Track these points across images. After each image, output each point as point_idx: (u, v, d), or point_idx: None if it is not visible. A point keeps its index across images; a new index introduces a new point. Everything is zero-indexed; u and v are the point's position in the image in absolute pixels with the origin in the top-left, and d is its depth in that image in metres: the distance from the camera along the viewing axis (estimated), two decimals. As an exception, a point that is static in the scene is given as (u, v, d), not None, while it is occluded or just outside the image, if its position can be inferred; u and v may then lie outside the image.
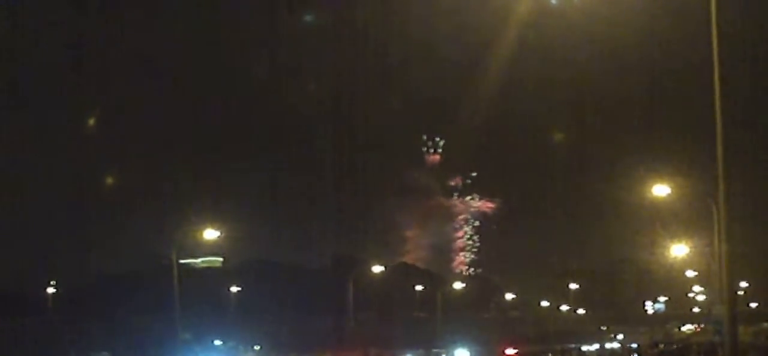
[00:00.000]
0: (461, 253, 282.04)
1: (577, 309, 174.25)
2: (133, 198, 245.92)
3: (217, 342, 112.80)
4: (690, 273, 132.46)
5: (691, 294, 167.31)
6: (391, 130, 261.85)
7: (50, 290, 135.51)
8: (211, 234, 55.28)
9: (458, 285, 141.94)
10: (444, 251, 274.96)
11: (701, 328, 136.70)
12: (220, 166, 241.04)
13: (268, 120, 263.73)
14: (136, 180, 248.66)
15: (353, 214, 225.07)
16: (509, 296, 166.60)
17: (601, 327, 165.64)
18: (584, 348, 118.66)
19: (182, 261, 57.27)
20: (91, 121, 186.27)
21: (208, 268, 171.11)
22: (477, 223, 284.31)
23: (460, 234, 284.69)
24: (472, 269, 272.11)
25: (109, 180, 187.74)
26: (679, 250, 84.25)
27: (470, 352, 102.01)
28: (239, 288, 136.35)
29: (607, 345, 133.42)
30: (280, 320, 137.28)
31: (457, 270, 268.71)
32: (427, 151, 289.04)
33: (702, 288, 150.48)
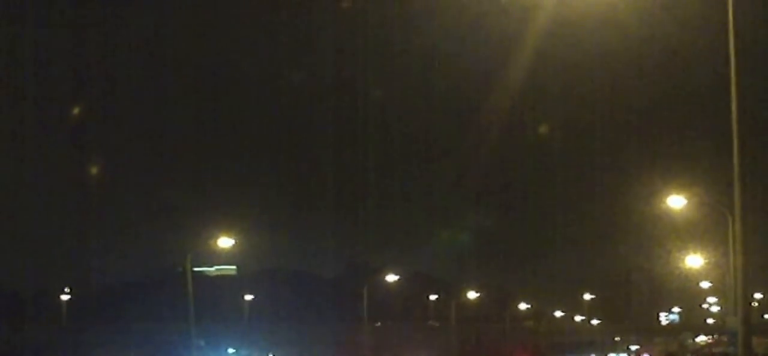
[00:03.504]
0: (476, 263, 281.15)
1: (591, 320, 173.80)
2: (148, 205, 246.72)
3: (231, 350, 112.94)
4: (704, 285, 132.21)
5: (705, 306, 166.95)
6: (408, 138, 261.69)
7: (64, 297, 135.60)
8: (225, 242, 55.25)
9: (472, 295, 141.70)
10: (459, 261, 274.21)
11: (715, 340, 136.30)
12: (234, 173, 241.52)
13: (285, 128, 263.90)
14: (150, 187, 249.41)
15: (368, 223, 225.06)
16: (523, 306, 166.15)
17: (616, 338, 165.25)
18: None
19: (196, 269, 57.19)
20: (104, 126, 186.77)
21: (223, 276, 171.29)
22: (492, 232, 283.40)
23: (476, 243, 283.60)
24: (487, 279, 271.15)
25: (123, 187, 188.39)
26: (693, 261, 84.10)
27: None
28: (253, 297, 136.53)
29: None
30: (294, 328, 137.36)
31: (472, 280, 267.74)
32: (441, 159, 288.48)
33: (716, 300, 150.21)
